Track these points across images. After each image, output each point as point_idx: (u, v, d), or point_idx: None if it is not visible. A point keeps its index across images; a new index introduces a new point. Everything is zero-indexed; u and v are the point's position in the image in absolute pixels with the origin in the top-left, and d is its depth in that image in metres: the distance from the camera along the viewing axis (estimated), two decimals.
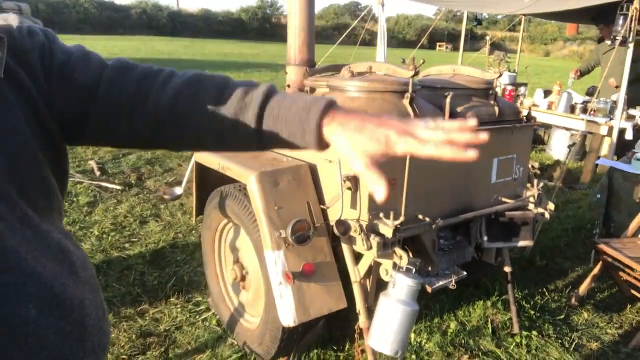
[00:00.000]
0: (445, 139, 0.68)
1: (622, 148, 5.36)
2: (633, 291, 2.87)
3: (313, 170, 2.08)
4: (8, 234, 0.62)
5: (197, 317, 2.62)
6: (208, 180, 2.52)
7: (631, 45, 4.55)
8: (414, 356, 2.36)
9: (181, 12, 37.34)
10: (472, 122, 0.69)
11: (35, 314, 0.63)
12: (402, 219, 1.84)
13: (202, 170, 2.51)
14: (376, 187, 0.67)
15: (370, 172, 0.68)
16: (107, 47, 18.65)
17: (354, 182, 1.85)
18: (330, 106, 0.73)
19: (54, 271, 0.67)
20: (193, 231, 3.64)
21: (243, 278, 2.33)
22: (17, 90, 0.70)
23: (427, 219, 2.01)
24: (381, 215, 1.86)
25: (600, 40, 6.24)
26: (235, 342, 2.39)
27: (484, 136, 0.68)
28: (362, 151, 0.69)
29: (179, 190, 3.41)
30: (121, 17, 32.98)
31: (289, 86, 3.06)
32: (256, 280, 2.25)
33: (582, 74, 6.03)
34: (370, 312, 1.93)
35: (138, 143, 0.84)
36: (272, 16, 39.99)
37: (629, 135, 5.03)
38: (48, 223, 0.71)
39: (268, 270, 1.91)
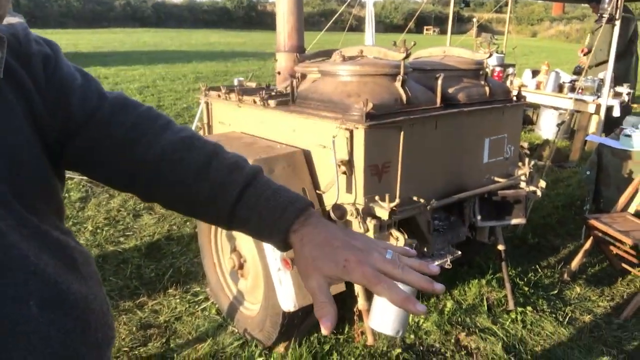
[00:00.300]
0: (400, 279, 0.64)
1: (610, 125, 5.43)
2: (623, 264, 2.94)
3: (307, 156, 2.09)
4: (9, 232, 0.62)
5: (197, 307, 2.64)
6: None
7: (618, 23, 4.58)
8: (412, 336, 2.40)
9: (165, 2, 36.72)
10: (435, 269, 0.68)
11: (37, 311, 0.63)
12: (397, 201, 1.86)
13: None
14: (322, 315, 0.63)
15: (320, 294, 0.65)
16: (91, 40, 18.38)
17: (348, 167, 1.86)
18: (303, 211, 0.71)
19: (57, 267, 0.67)
20: (187, 222, 3.64)
21: (241, 266, 2.35)
22: (18, 90, 0.70)
23: (422, 200, 2.03)
24: (377, 198, 1.88)
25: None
26: (236, 330, 2.42)
27: (439, 287, 0.64)
28: (318, 269, 0.66)
29: None
30: (105, 9, 32.31)
31: (279, 73, 3.05)
32: (254, 267, 2.27)
33: (589, 51, 6.02)
34: (368, 295, 1.96)
35: (110, 182, 0.83)
36: (258, 4, 39.49)
37: (616, 113, 5.09)
38: (46, 223, 0.71)
39: (266, 257, 1.92)
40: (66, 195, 4.07)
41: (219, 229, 2.55)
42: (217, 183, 0.75)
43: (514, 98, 2.53)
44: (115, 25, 30.61)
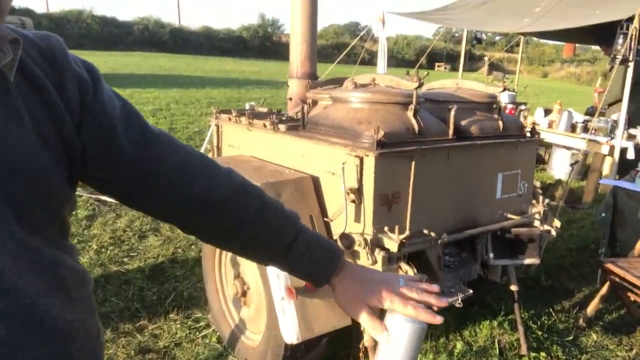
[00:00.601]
0: (419, 300, 0.80)
1: (625, 167, 5.35)
2: None
3: (316, 182, 2.04)
4: None
5: (197, 333, 2.55)
6: None
7: (631, 65, 4.57)
8: None
9: (183, 29, 37.73)
10: (443, 301, 0.83)
11: (4, 334, 0.58)
12: (407, 233, 1.80)
13: None
14: (379, 335, 0.80)
15: (374, 321, 0.80)
16: (107, 62, 18.81)
17: (357, 195, 1.81)
18: (341, 260, 0.86)
19: (38, 288, 0.62)
20: (193, 246, 3.58)
21: (244, 293, 2.27)
22: (35, 99, 0.66)
23: (433, 234, 1.96)
24: (386, 229, 1.82)
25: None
26: None
27: (439, 319, 0.79)
28: (363, 301, 0.81)
29: None
30: (123, 32, 33.23)
31: (290, 99, 3.05)
32: (258, 295, 2.19)
33: (603, 90, 5.99)
34: None
35: (152, 213, 0.85)
36: (273, 34, 40.47)
37: (630, 155, 5.01)
38: (39, 238, 0.66)
39: (270, 285, 1.85)
40: (73, 212, 4.05)
41: (224, 254, 2.48)
42: (273, 229, 0.84)
43: (528, 133, 2.49)
44: (133, 49, 31.42)
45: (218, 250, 2.47)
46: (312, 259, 0.85)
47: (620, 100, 5.15)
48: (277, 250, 0.84)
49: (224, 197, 0.81)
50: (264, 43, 38.59)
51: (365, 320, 0.80)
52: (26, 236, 0.63)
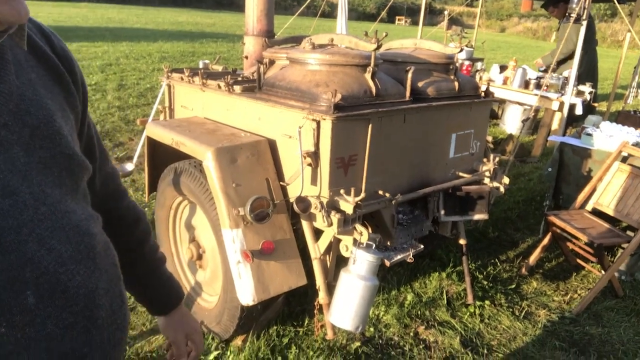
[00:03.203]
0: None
1: (572, 123, 5.59)
2: (578, 260, 3.03)
3: (272, 146, 2.02)
4: (12, 212, 0.57)
5: None
6: (161, 156, 2.42)
7: (584, 23, 4.67)
8: (372, 329, 2.40)
9: None
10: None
11: (34, 302, 0.59)
12: (362, 195, 1.83)
13: (154, 146, 2.40)
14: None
15: (182, 346, 1.05)
16: (52, 14, 17.50)
17: (314, 159, 1.81)
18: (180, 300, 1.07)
19: (62, 256, 0.62)
20: (146, 209, 3.51)
21: (200, 257, 2.27)
22: (47, 71, 0.70)
23: (387, 195, 2.01)
24: (342, 192, 1.84)
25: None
26: None
27: None
28: (182, 330, 1.06)
29: (130, 166, 3.26)
30: None
31: (246, 57, 2.96)
32: (213, 259, 2.20)
33: (546, 68, 6.12)
34: (330, 288, 1.93)
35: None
36: None
37: (579, 111, 5.23)
38: (72, 202, 0.67)
39: (226, 249, 1.86)
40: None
41: (178, 219, 2.46)
42: (147, 256, 1.02)
43: (483, 94, 2.53)
44: None
45: (172, 215, 2.44)
46: (163, 292, 1.04)
47: (570, 57, 5.30)
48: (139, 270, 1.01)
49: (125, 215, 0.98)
50: None
51: (176, 342, 1.05)
52: (58, 200, 0.64)
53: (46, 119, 0.64)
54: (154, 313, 1.04)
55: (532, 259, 3.05)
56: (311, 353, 2.19)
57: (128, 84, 7.20)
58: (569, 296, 2.85)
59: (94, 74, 7.49)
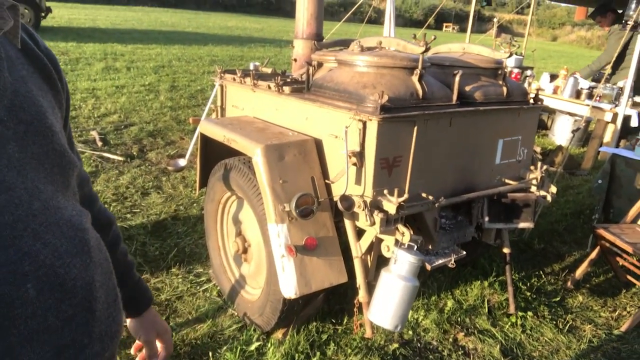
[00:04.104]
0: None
1: (626, 135, 5.36)
2: (629, 276, 2.91)
3: (319, 145, 2.08)
4: (8, 208, 0.58)
5: (198, 287, 2.66)
6: (212, 153, 2.53)
7: None
8: (410, 332, 2.40)
9: None
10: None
11: (35, 294, 0.59)
12: (405, 196, 1.85)
13: (206, 142, 2.51)
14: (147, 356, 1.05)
15: (152, 346, 1.05)
16: (109, 17, 18.38)
17: (359, 159, 1.85)
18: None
19: (58, 249, 0.63)
20: (195, 204, 3.66)
21: (245, 250, 2.35)
22: (37, 68, 0.70)
23: (431, 198, 2.01)
24: (385, 192, 1.87)
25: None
26: (236, 313, 2.43)
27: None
28: (153, 329, 1.06)
29: (182, 161, 3.41)
30: None
31: (295, 60, 3.04)
32: (258, 252, 2.27)
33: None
34: (370, 287, 1.96)
35: None
36: None
37: (634, 123, 5.01)
38: (63, 198, 0.67)
39: (271, 243, 1.93)
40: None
41: (226, 213, 2.55)
42: (120, 260, 1.02)
43: (531, 100, 2.50)
44: (135, 3, 30.49)
45: (220, 209, 2.54)
46: (138, 292, 1.06)
47: (624, 67, 5.10)
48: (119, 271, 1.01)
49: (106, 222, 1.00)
50: None
51: (146, 341, 1.05)
52: (50, 196, 0.65)
53: (39, 115, 0.65)
54: (127, 315, 1.05)
55: (579, 272, 2.95)
56: (349, 351, 2.22)
57: (180, 85, 7.49)
58: (617, 313, 2.74)
59: (147, 75, 7.83)
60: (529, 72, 6.38)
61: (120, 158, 4.43)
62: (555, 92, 5.70)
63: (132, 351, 1.07)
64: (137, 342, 1.06)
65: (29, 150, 0.63)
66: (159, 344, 1.06)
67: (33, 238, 0.60)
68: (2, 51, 0.62)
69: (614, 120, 5.01)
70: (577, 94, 5.47)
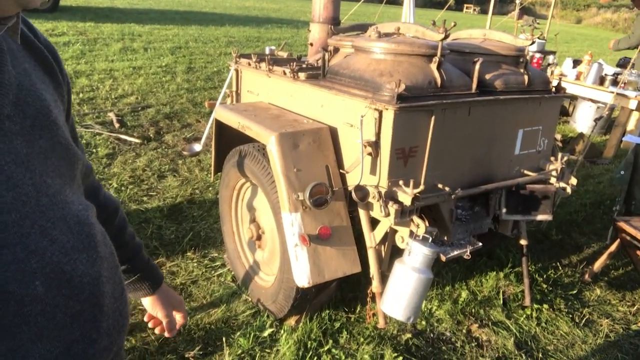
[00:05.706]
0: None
1: None
2: None
3: (334, 133, 2.05)
4: (15, 205, 0.58)
5: (213, 272, 2.68)
6: (227, 138, 2.52)
7: None
8: (424, 322, 2.39)
9: None
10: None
11: (43, 291, 0.60)
12: (421, 187, 1.82)
13: (221, 128, 2.50)
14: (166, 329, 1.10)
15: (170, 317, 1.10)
16: None
17: (374, 148, 1.82)
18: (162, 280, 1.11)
19: (65, 246, 0.63)
20: (210, 188, 3.67)
21: (259, 237, 2.36)
22: (38, 62, 0.70)
23: (447, 189, 1.98)
24: (401, 183, 1.84)
25: None
26: (249, 299, 2.45)
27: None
28: (170, 305, 1.11)
29: (198, 146, 3.42)
30: None
31: (311, 44, 2.99)
32: (272, 240, 2.28)
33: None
34: (383, 278, 1.95)
35: None
36: None
37: None
38: (70, 192, 0.67)
39: (285, 231, 1.92)
40: (93, 150, 4.15)
41: (240, 199, 2.55)
42: (129, 242, 1.03)
43: (553, 89, 2.42)
44: None
45: (235, 195, 2.54)
46: (148, 274, 1.08)
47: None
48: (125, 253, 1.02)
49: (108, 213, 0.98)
50: None
51: (164, 316, 1.09)
52: (58, 190, 0.65)
53: (43, 109, 0.65)
54: (142, 295, 1.08)
55: (597, 265, 2.90)
56: (362, 339, 2.22)
57: (196, 67, 7.47)
58: (635, 307, 2.69)
59: (164, 56, 7.83)
60: (551, 58, 6.21)
61: (137, 140, 4.46)
62: (578, 78, 5.54)
63: (145, 318, 1.10)
64: (149, 313, 1.09)
65: (36, 145, 0.63)
66: (176, 314, 1.11)
67: (40, 235, 0.61)
68: (4, 44, 0.62)
69: (639, 108, 4.86)
70: (601, 81, 5.31)
